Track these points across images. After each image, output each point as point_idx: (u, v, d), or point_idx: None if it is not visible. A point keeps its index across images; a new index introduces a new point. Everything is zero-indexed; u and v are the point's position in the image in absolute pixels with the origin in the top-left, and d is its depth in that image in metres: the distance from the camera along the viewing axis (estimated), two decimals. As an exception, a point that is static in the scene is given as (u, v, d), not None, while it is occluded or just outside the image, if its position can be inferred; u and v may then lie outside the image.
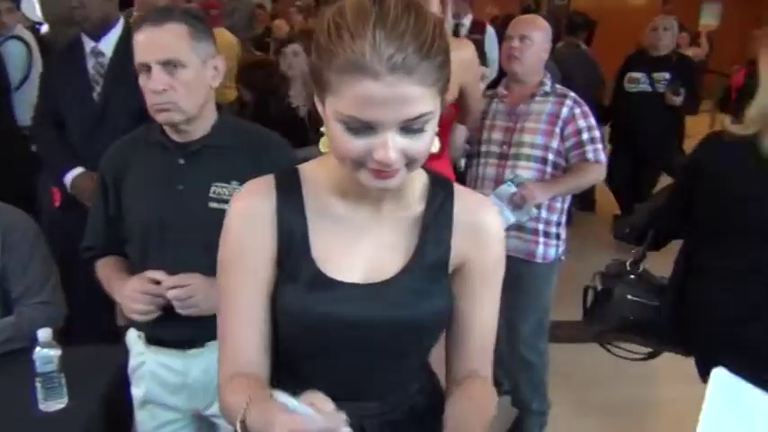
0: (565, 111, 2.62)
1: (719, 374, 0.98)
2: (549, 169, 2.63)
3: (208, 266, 1.58)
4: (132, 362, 1.76)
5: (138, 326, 1.70)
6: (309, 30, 5.29)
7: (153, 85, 1.52)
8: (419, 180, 1.12)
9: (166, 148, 1.65)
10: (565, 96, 2.67)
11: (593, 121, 2.64)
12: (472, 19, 5.18)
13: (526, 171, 2.61)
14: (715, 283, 1.86)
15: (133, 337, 1.76)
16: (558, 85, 2.74)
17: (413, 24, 0.89)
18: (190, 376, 1.69)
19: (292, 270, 1.08)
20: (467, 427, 1.03)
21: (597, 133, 2.64)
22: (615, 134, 5.14)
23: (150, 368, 1.71)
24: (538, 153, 2.61)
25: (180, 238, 1.62)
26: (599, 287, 2.18)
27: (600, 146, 2.63)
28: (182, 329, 1.61)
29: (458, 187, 1.15)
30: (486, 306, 1.15)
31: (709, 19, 8.06)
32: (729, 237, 1.83)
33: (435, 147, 0.99)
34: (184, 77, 1.53)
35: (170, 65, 1.52)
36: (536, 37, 2.68)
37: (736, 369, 1.82)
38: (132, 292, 1.56)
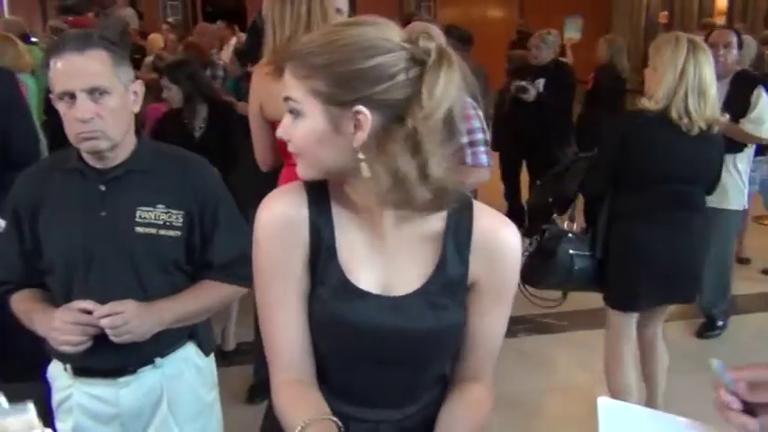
0: None
1: (604, 403, 1.10)
2: None
3: (139, 292, 1.59)
4: (57, 396, 1.71)
5: (63, 358, 1.65)
6: (193, 45, 5.18)
7: (80, 113, 1.49)
8: None
9: (85, 176, 1.62)
10: None
11: (475, 124, 2.61)
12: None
13: None
14: (640, 222, 2.64)
15: (57, 370, 1.70)
16: None
17: (320, 33, 1.08)
18: (122, 405, 1.66)
19: (321, 274, 1.12)
20: (452, 428, 1.12)
21: (478, 136, 2.62)
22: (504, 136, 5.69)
23: (78, 400, 1.67)
24: None
25: (107, 266, 1.60)
26: (531, 250, 2.78)
27: (481, 149, 2.62)
28: (113, 357, 1.59)
29: (477, 205, 1.17)
30: (496, 321, 1.19)
31: (572, 33, 8.64)
32: (654, 185, 2.62)
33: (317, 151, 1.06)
34: (110, 104, 1.52)
35: (95, 92, 1.50)
36: None
37: (655, 288, 2.69)
38: (62, 324, 1.52)
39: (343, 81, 1.01)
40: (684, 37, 2.62)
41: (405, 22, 3.10)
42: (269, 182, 2.28)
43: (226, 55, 6.23)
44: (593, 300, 3.30)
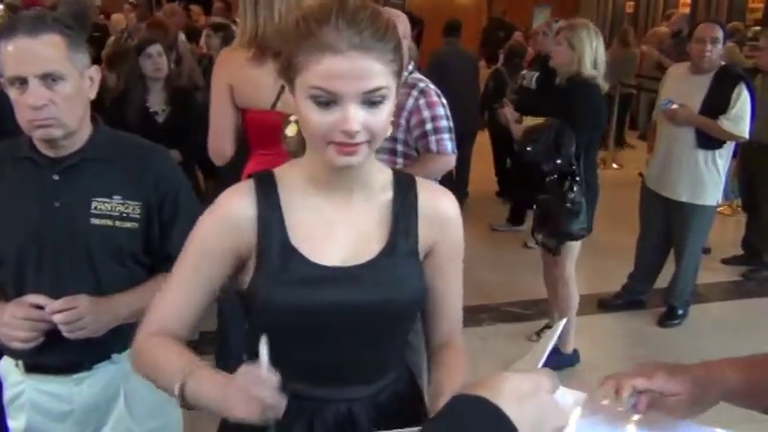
0: (410, 102, 2.58)
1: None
2: (399, 160, 2.60)
3: (93, 285, 1.54)
4: (8, 392, 1.65)
5: (15, 354, 1.59)
6: (159, 23, 5.03)
7: (32, 100, 1.42)
8: (384, 174, 1.23)
9: (37, 164, 1.55)
10: (413, 87, 2.60)
11: (439, 111, 2.59)
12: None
13: None
14: (593, 168, 3.48)
15: (8, 366, 1.64)
16: (416, 75, 2.69)
17: (368, 16, 1.04)
18: (76, 402, 1.61)
19: (277, 262, 1.14)
20: (444, 389, 1.16)
21: (443, 123, 2.58)
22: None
23: (31, 397, 1.61)
24: (385, 144, 2.51)
25: (60, 259, 1.53)
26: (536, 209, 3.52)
27: (446, 135, 2.58)
28: (66, 354, 1.53)
29: (419, 180, 1.26)
30: (455, 281, 1.29)
31: (541, 22, 8.76)
32: (599, 138, 3.59)
33: (389, 131, 1.11)
34: (64, 91, 1.45)
35: (48, 78, 1.43)
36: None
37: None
38: (12, 319, 1.46)
39: (402, 55, 1.09)
40: (590, 23, 3.41)
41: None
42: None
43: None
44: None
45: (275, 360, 1.15)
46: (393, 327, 1.22)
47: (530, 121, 3.50)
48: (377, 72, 1.03)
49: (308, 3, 1.94)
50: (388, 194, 1.21)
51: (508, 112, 3.80)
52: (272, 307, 1.15)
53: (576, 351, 3.61)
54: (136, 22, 6.89)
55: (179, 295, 1.20)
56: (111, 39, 6.19)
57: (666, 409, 1.03)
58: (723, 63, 3.85)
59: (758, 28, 8.97)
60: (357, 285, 1.15)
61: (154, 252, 1.63)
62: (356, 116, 1.03)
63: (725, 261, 5.04)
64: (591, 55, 3.26)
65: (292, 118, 1.14)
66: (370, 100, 1.04)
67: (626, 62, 7.76)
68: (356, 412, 1.20)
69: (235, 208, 1.17)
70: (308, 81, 1.03)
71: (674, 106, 3.79)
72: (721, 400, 1.08)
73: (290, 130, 1.15)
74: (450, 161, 2.65)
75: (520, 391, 0.68)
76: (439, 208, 1.24)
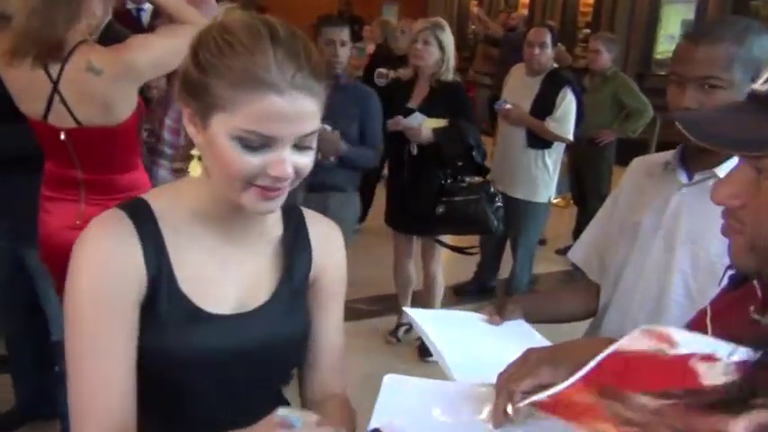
0: None
1: (390, 379, 1.10)
2: None
3: None
4: None
5: None
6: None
7: None
8: None
9: None
10: None
11: None
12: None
13: None
14: None
15: None
16: None
17: (303, 47, 0.92)
18: None
19: (163, 308, 0.99)
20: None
21: None
22: None
23: None
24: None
25: None
26: (441, 210, 3.36)
27: None
28: None
29: (306, 211, 1.18)
30: (334, 320, 1.19)
31: (389, 17, 8.94)
32: None
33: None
34: None
35: None
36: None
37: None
38: None
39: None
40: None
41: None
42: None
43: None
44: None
45: (159, 412, 1.04)
46: (282, 366, 1.14)
47: (433, 123, 3.37)
48: (314, 114, 0.93)
49: None
50: (279, 230, 1.13)
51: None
52: (159, 357, 1.00)
53: None
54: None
55: (107, 390, 0.95)
56: None
57: None
58: (555, 66, 4.06)
59: (588, 30, 9.67)
60: (248, 332, 1.04)
61: None
62: (290, 160, 0.93)
63: (559, 251, 5.35)
64: (453, 55, 3.47)
65: (194, 152, 0.99)
66: (303, 144, 0.94)
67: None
68: None
69: (115, 246, 0.97)
70: (238, 123, 0.89)
71: (508, 106, 3.96)
72: None
73: (194, 170, 1.00)
74: None
75: None
76: (329, 240, 1.18)
